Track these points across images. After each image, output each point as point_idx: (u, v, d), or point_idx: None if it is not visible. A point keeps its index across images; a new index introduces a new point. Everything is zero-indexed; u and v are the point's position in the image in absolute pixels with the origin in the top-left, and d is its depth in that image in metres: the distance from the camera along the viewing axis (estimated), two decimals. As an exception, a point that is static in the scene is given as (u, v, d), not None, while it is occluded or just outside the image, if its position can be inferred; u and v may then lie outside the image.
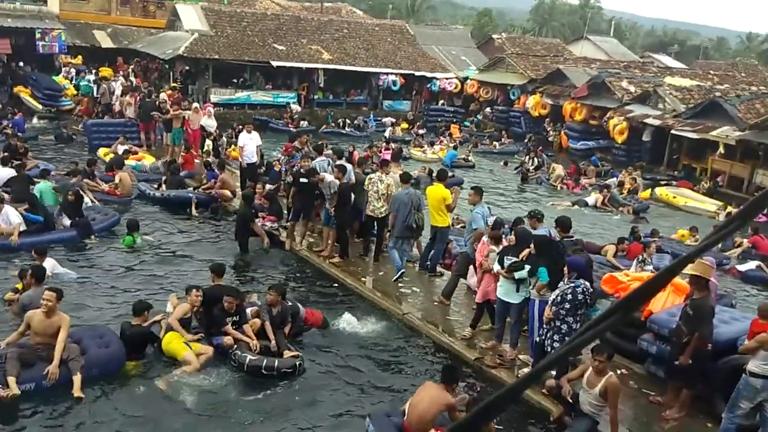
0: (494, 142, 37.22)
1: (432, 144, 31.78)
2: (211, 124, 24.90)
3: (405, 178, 14.69)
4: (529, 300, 10.42)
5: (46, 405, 8.92)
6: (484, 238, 11.73)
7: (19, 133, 25.63)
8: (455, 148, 32.17)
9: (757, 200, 1.60)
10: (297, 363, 10.22)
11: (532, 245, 10.45)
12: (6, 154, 20.90)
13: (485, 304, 11.46)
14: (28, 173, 18.74)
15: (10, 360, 8.98)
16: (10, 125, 27.39)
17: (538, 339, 10.01)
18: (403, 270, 14.21)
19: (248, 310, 11.19)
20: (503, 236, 11.85)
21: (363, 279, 14.25)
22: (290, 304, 11.54)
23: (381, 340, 11.82)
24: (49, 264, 12.66)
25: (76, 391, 9.08)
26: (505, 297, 10.66)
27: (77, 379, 9.19)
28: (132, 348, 10.20)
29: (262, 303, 11.34)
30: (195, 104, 26.17)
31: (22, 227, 14.70)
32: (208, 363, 10.15)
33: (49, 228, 15.23)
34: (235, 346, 10.39)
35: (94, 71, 37.16)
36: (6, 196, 15.65)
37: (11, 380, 8.80)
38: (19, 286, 11.79)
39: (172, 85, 34.53)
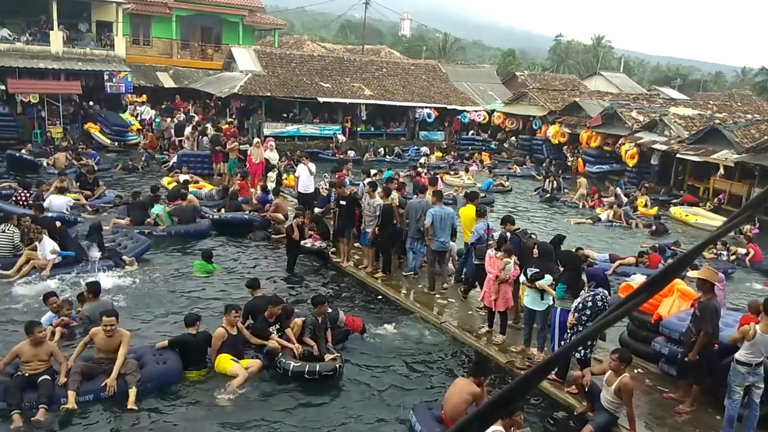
0: (516, 166, 37.44)
1: (466, 170, 32.05)
2: (273, 157, 24.89)
3: (438, 195, 15.02)
4: (552, 308, 10.61)
5: (104, 414, 9.02)
6: (492, 252, 11.92)
7: (95, 165, 26.42)
8: (490, 171, 32.13)
9: (763, 194, 1.68)
10: (337, 365, 10.38)
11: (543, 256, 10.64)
12: (78, 183, 21.65)
13: (500, 310, 11.71)
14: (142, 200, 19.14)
15: (73, 374, 9.12)
16: (91, 157, 28.26)
17: (560, 343, 10.21)
18: (415, 270, 15.03)
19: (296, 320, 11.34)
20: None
21: (403, 291, 14.51)
22: (330, 310, 11.68)
23: (420, 345, 12.01)
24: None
25: (130, 404, 9.16)
26: (531, 305, 10.86)
27: (132, 392, 9.28)
28: (198, 354, 10.36)
29: (308, 315, 11.39)
30: (256, 139, 26.01)
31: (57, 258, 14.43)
32: (256, 373, 10.27)
33: (78, 260, 14.75)
34: (281, 353, 10.53)
35: (157, 109, 38.02)
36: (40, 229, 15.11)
37: (71, 394, 8.93)
38: (79, 309, 11.84)
39: (228, 120, 35.04)
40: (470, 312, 13.28)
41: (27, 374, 9.01)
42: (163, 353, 10.22)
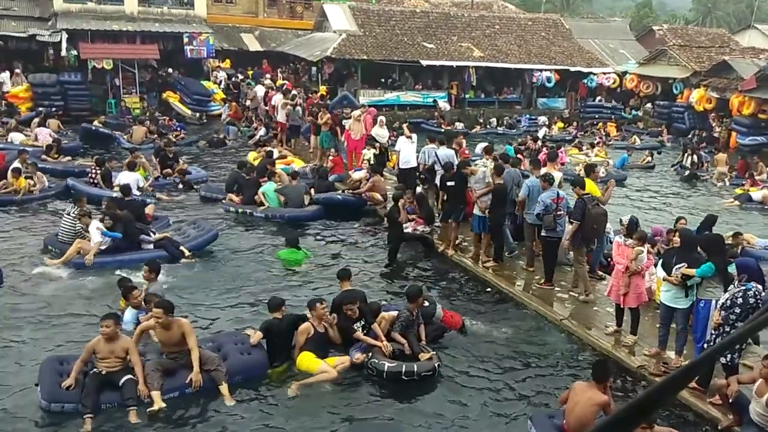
0: (635, 137, 36.49)
1: (592, 145, 31.41)
2: (383, 134, 22.96)
3: (536, 164, 15.11)
4: (696, 303, 10.39)
5: (193, 411, 9.40)
6: (620, 239, 11.77)
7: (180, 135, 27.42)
8: (627, 150, 31.49)
9: None
10: (436, 365, 10.44)
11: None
12: (157, 159, 22.40)
13: (631, 306, 11.55)
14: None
15: (151, 373, 9.45)
16: (177, 128, 29.21)
17: (705, 345, 10.01)
18: (514, 248, 15.39)
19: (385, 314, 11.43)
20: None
21: (518, 283, 14.49)
22: (427, 304, 11.74)
23: (532, 345, 11.96)
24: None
25: (228, 400, 9.53)
26: (671, 302, 10.66)
27: (224, 388, 9.65)
28: (284, 341, 10.60)
29: (401, 310, 11.46)
30: (357, 111, 24.69)
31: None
32: (345, 372, 10.43)
33: (132, 247, 15.04)
34: (370, 353, 10.63)
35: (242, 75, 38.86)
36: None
37: (156, 395, 9.27)
38: (123, 303, 12.01)
39: (322, 88, 35.44)
40: (595, 308, 13.16)
41: (104, 372, 9.38)
42: (245, 342, 10.56)
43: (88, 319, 11.90)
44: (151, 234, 15.46)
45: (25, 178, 19.24)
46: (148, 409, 9.17)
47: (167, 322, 9.77)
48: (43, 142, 24.21)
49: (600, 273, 14.55)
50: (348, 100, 29.16)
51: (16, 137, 25.33)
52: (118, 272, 13.66)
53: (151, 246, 15.18)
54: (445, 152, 17.63)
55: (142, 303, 11.40)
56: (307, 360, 10.42)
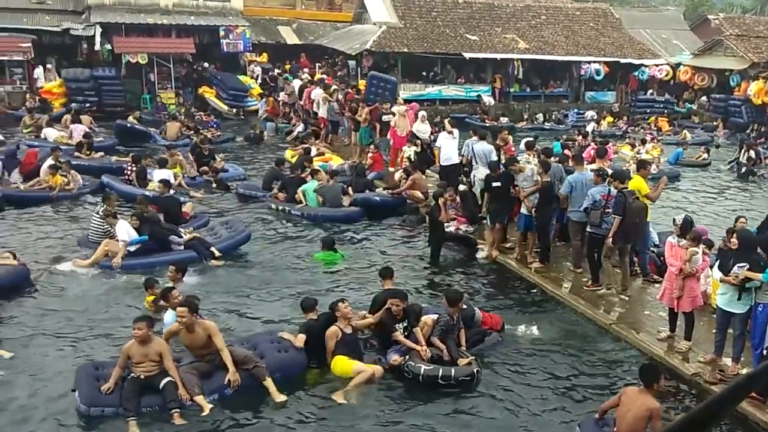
0: (684, 132, 35.93)
1: (643, 141, 31.01)
2: (424, 130, 22.49)
3: (578, 159, 15.10)
4: (755, 307, 10.23)
5: (238, 411, 9.51)
6: (673, 240, 11.63)
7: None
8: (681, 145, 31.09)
9: None
10: (474, 370, 10.39)
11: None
12: (193, 157, 22.56)
13: (685, 311, 11.40)
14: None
15: (188, 376, 9.53)
16: (213, 124, 29.48)
17: (764, 351, 9.87)
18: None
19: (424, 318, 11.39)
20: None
21: (564, 285, 14.39)
22: (465, 307, 11.68)
23: (579, 350, 11.85)
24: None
25: (276, 396, 9.66)
26: (728, 306, 10.51)
27: (270, 383, 9.75)
28: (321, 341, 10.59)
29: (440, 314, 11.42)
30: (401, 107, 23.71)
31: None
32: (381, 374, 10.45)
33: (161, 248, 15.12)
34: (407, 356, 10.63)
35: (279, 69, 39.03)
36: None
37: (200, 399, 9.37)
38: (150, 298, 12.33)
39: (361, 82, 35.48)
40: (647, 312, 13.03)
41: (142, 376, 9.45)
42: (280, 341, 10.65)
43: (119, 322, 12.01)
44: (182, 234, 15.52)
45: (60, 175, 19.48)
46: (200, 414, 9.28)
47: (191, 322, 9.81)
48: (75, 139, 24.55)
49: (653, 276, 14.34)
50: (377, 80, 28.86)
51: (51, 134, 25.68)
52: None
53: (181, 247, 15.25)
54: (482, 147, 17.49)
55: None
56: (341, 363, 10.44)
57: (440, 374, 10.22)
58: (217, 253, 15.16)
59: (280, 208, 18.98)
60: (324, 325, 10.74)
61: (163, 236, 15.19)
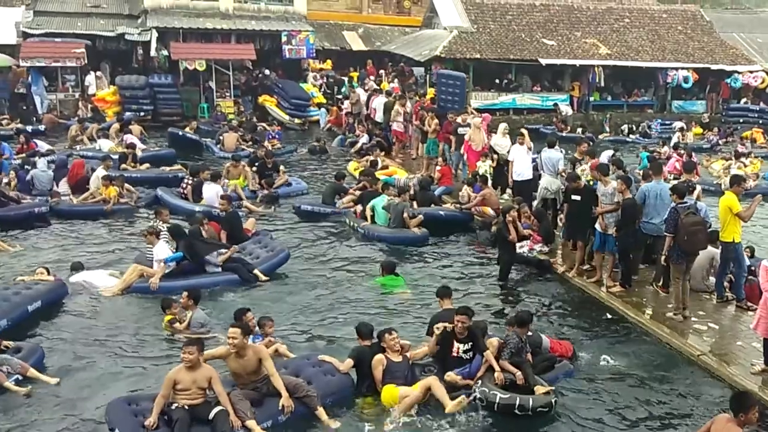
0: None
1: (737, 156, 30.08)
2: (504, 144, 21.61)
3: (656, 168, 14.97)
4: None
5: None
6: (767, 263, 11.23)
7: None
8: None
9: None
10: (552, 400, 10.19)
11: None
12: (254, 169, 22.57)
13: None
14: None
15: (239, 403, 9.43)
16: (275, 135, 29.69)
17: None
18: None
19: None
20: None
21: (647, 311, 14.00)
22: (531, 333, 11.48)
23: (662, 381, 11.56)
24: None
25: (330, 423, 9.64)
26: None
27: (322, 412, 9.73)
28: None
29: (509, 335, 11.18)
30: (477, 118, 23.29)
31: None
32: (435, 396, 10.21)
33: (198, 270, 14.97)
34: (480, 381, 10.48)
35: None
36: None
37: (252, 424, 9.27)
38: (168, 318, 12.51)
39: (430, 91, 35.32)
40: (739, 342, 12.65)
41: (187, 406, 9.29)
42: (322, 364, 10.65)
43: (157, 346, 12.16)
44: (220, 254, 15.29)
45: (114, 186, 19.71)
46: None
47: (242, 345, 9.73)
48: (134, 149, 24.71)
49: (747, 303, 13.86)
50: (446, 77, 28.62)
51: (105, 144, 26.11)
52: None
53: (219, 269, 15.12)
54: (550, 154, 17.28)
55: (257, 328, 11.49)
56: (388, 392, 10.34)
57: (517, 403, 10.01)
58: (262, 277, 15.10)
59: (353, 224, 18.96)
60: (375, 354, 10.65)
61: (200, 256, 15.05)
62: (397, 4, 48.58)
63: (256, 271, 15.11)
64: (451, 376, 10.52)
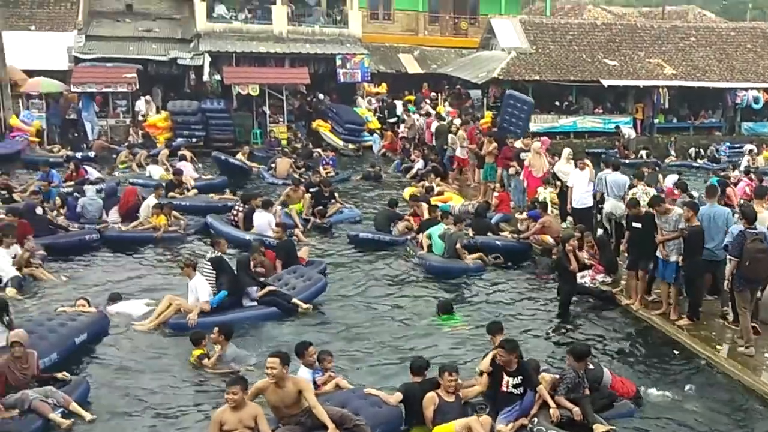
0: None
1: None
2: (566, 171, 20.59)
3: (711, 191, 14.90)
4: None
5: None
6: None
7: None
8: None
9: None
10: None
11: None
12: (310, 196, 22.46)
13: None
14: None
15: None
16: (329, 162, 29.77)
17: None
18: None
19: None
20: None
21: (719, 346, 13.65)
22: (592, 367, 11.27)
23: (733, 421, 11.30)
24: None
25: None
26: None
27: None
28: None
29: (566, 369, 11.09)
30: (536, 143, 22.82)
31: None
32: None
33: (235, 303, 14.82)
34: (535, 419, 10.32)
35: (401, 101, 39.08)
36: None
37: None
38: (197, 352, 12.48)
39: (487, 114, 35.17)
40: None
41: None
42: (367, 396, 10.55)
43: (191, 381, 12.21)
44: (257, 288, 15.19)
45: (164, 215, 19.90)
46: None
47: (281, 376, 9.65)
48: (186, 179, 24.77)
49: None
50: (514, 99, 28.56)
51: (155, 171, 26.42)
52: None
53: (255, 303, 15.02)
54: (615, 178, 17.09)
55: (316, 362, 11.39)
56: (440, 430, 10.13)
57: None
58: (303, 306, 14.96)
59: (411, 251, 19.05)
60: (426, 391, 10.47)
61: (246, 285, 14.99)
62: (454, 26, 48.58)
63: (295, 300, 14.97)
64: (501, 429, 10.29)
